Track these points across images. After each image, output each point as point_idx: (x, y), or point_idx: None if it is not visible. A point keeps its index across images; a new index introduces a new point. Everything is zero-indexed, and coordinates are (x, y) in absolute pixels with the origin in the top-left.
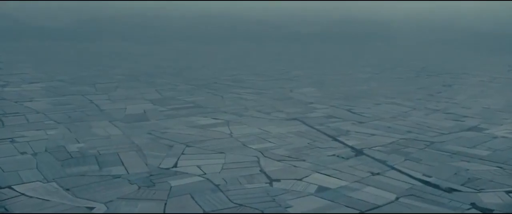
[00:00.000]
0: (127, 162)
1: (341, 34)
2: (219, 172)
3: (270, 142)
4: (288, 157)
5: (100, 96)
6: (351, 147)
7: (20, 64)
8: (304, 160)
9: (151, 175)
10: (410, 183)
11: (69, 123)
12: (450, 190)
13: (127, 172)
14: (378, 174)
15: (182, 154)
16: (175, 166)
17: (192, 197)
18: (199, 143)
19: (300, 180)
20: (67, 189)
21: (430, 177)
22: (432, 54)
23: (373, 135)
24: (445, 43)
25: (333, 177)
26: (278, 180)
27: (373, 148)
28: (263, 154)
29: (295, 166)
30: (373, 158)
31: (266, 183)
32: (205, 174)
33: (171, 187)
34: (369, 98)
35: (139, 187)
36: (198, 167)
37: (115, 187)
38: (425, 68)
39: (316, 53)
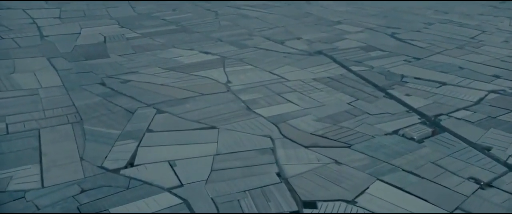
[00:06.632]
0: (49, 154)
1: None
2: (207, 180)
3: (289, 100)
4: (322, 137)
5: (49, 11)
6: (420, 113)
7: None
8: (349, 146)
9: (82, 191)
10: None
11: None
12: None
13: (41, 182)
14: (490, 185)
15: (148, 130)
16: (131, 163)
17: None
18: (177, 105)
19: (352, 202)
20: None
21: None
22: None
23: (443, 83)
24: None
25: (412, 195)
26: (312, 204)
27: (454, 114)
28: (280, 131)
29: (337, 163)
30: (463, 138)
31: (292, 212)
32: (182, 185)
33: None
34: (414, 14)
35: None
36: (171, 165)
37: None
38: None
39: None
